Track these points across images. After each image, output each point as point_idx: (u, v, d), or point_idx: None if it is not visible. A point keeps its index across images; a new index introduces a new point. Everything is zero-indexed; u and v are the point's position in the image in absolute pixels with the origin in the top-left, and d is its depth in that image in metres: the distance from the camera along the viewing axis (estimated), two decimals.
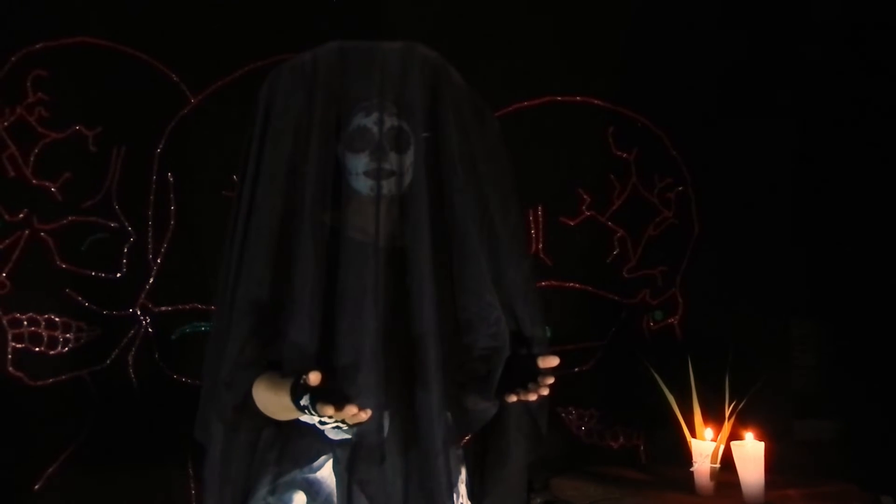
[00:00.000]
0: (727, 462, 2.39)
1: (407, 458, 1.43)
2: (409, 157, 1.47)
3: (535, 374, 1.39)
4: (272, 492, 1.44)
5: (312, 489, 1.42)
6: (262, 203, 1.42)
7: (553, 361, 1.40)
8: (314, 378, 1.22)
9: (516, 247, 1.56)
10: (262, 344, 1.40)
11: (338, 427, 1.29)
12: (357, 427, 1.33)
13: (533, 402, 1.45)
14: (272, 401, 1.34)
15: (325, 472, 1.43)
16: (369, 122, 1.45)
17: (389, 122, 1.45)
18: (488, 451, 1.59)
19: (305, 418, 1.31)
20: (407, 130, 1.46)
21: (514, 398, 1.40)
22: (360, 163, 1.45)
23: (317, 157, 1.40)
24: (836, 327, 3.27)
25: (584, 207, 2.85)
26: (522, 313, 1.49)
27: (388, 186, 1.44)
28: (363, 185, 1.45)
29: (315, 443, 1.44)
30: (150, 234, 2.47)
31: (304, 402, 1.24)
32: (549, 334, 2.76)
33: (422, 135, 1.45)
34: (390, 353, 1.36)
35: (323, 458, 1.44)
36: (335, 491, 1.41)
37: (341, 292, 1.36)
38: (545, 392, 1.39)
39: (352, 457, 1.42)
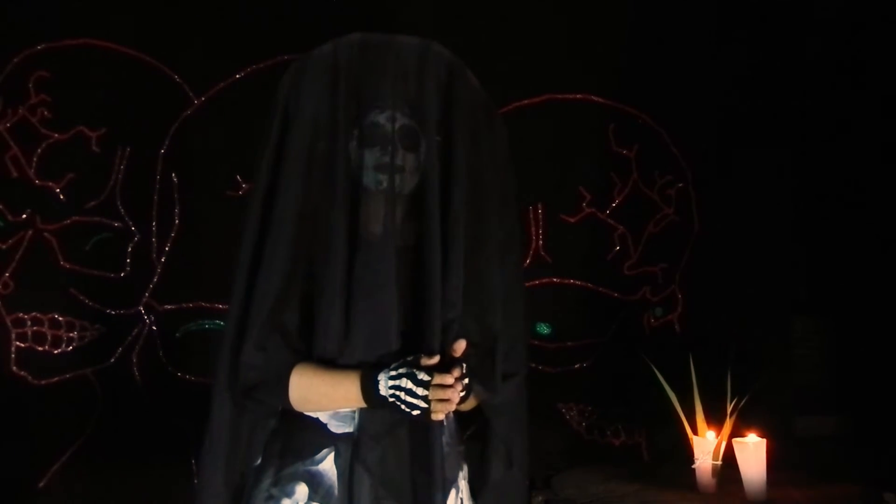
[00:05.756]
0: (729, 459, 2.39)
1: (412, 447, 1.44)
2: (419, 157, 1.48)
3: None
4: (275, 483, 1.47)
5: (314, 481, 1.45)
6: (283, 196, 1.43)
7: (460, 346, 1.40)
8: (429, 360, 1.34)
9: (508, 253, 1.56)
10: (283, 333, 1.43)
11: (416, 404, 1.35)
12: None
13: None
14: (323, 391, 1.40)
15: (327, 465, 1.46)
16: (382, 118, 1.47)
17: (402, 120, 1.47)
18: (484, 454, 1.60)
19: (349, 406, 1.40)
20: (417, 130, 1.48)
21: None
22: (371, 157, 1.46)
23: (335, 152, 1.43)
24: (838, 323, 3.26)
25: (584, 204, 2.86)
26: (494, 319, 1.48)
27: (397, 182, 1.45)
28: (372, 179, 1.46)
29: (317, 437, 1.47)
30: (154, 233, 2.48)
31: (387, 383, 1.35)
32: (548, 331, 2.80)
33: (433, 137, 1.46)
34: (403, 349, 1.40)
35: (325, 451, 1.47)
36: (336, 483, 1.44)
37: (356, 288, 1.39)
38: (448, 380, 1.37)
39: (356, 446, 1.44)
